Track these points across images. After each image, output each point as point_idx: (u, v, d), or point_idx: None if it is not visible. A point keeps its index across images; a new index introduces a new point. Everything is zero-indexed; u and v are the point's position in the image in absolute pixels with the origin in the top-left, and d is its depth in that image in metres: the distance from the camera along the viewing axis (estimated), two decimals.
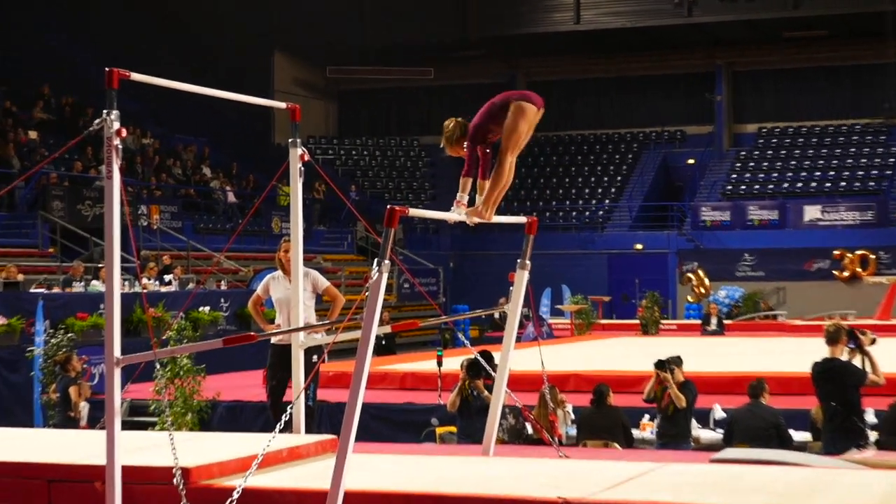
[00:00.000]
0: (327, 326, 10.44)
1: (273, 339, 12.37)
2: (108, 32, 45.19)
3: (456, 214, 9.11)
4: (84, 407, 17.03)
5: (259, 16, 49.10)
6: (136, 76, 8.24)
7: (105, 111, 7.96)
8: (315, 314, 12.80)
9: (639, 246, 44.52)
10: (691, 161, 48.75)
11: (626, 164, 49.34)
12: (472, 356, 13.68)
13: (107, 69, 8.04)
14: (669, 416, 14.62)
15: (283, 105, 10.42)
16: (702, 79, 49.46)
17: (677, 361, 15.06)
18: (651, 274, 42.60)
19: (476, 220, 9.06)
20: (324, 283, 12.81)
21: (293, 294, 10.81)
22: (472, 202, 9.18)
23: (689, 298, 40.11)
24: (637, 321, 33.59)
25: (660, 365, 14.78)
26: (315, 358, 11.72)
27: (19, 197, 30.79)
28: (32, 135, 34.47)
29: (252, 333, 10.52)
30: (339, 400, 16.19)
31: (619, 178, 48.83)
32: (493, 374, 10.54)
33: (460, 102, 52.27)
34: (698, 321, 34.56)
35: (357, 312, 8.16)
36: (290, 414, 8.81)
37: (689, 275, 40.80)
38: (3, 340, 21.12)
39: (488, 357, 13.76)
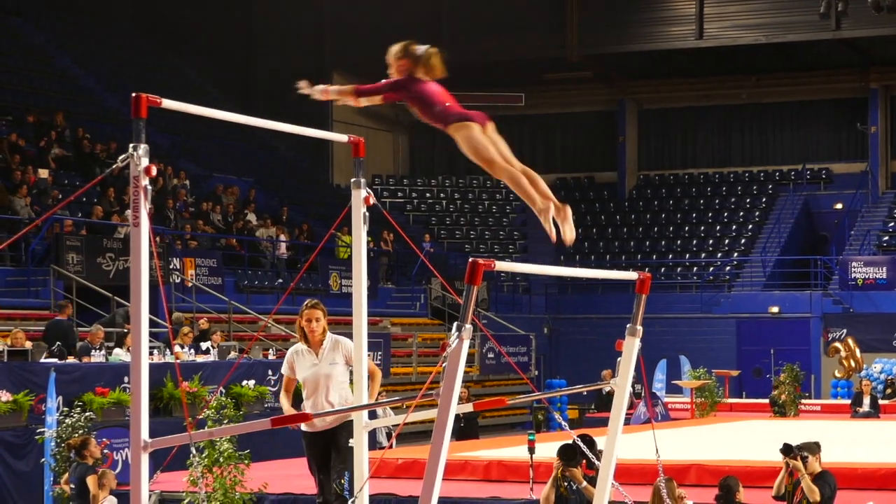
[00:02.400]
0: (396, 404, 10.44)
1: (303, 426, 11.94)
2: (132, 56, 45.84)
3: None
4: (107, 502, 17.10)
5: (313, 33, 49.46)
6: (167, 103, 8.33)
7: (132, 145, 8.03)
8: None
9: (774, 309, 44.23)
10: (839, 206, 48.41)
11: (760, 210, 49.10)
12: (570, 441, 13.64)
13: (133, 95, 8.12)
14: None
15: (343, 138, 10.48)
16: (853, 105, 49.18)
17: (812, 448, 14.96)
18: (789, 343, 42.27)
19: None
20: None
21: (332, 369, 10.90)
22: None
23: (837, 374, 39.76)
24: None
25: (787, 450, 14.70)
26: (352, 442, 11.61)
27: (28, 248, 31.08)
28: (43, 173, 34.82)
29: (307, 413, 10.54)
30: (410, 493, 16.20)
31: (750, 226, 48.59)
32: (596, 462, 10.52)
33: (557, 135, 52.57)
34: (847, 401, 34.28)
35: (432, 387, 8.18)
36: None
37: (837, 344, 40.43)
38: (8, 421, 21.29)
39: (590, 442, 13.72)
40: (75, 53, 45.01)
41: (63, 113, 39.16)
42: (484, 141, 9.63)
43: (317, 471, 12.00)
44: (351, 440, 11.43)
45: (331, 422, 11.61)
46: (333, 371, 11.85)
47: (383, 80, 9.62)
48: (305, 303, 12.15)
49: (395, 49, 9.82)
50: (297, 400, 12.56)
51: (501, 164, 9.47)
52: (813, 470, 14.63)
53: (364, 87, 9.65)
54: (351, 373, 11.93)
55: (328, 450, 11.73)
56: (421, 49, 9.82)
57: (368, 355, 12.01)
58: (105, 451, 18.32)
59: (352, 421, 11.36)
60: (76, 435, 18.27)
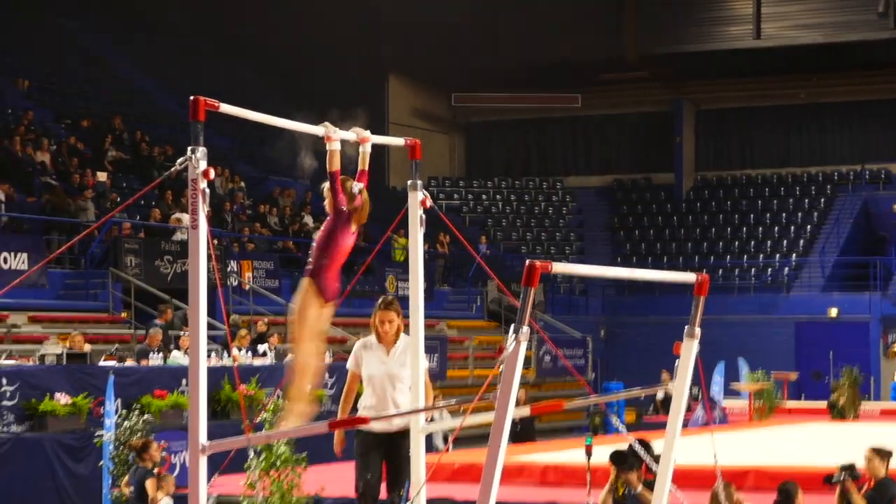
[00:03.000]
0: (453, 407, 10.44)
1: (366, 427, 11.48)
2: (189, 60, 46.04)
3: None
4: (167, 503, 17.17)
5: (369, 34, 49.55)
6: (225, 107, 8.37)
7: (190, 148, 8.08)
8: None
9: (833, 311, 44.05)
10: None
11: (819, 211, 48.90)
12: (622, 446, 13.62)
13: (192, 98, 8.16)
14: None
15: (400, 141, 10.49)
16: None
17: (883, 454, 14.91)
18: (848, 346, 42.10)
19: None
20: (424, 361, 11.53)
21: (401, 371, 10.87)
22: None
23: None
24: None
25: (846, 469, 14.70)
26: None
27: (86, 251, 31.23)
28: (102, 176, 35.02)
29: (364, 416, 10.55)
30: (466, 498, 16.19)
31: (809, 227, 48.40)
32: (653, 467, 10.48)
33: (613, 136, 52.48)
34: None
35: (489, 391, 8.18)
36: None
37: None
38: (67, 423, 21.39)
39: (646, 446, 13.69)
40: (133, 57, 45.28)
41: (121, 116, 39.40)
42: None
43: (367, 472, 11.61)
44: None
45: (397, 426, 11.28)
46: (402, 373, 11.51)
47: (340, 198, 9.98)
48: (379, 302, 11.94)
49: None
50: (371, 496, 12.05)
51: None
52: (878, 475, 14.57)
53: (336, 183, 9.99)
54: None
55: (385, 453, 11.47)
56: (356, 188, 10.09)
57: (460, 355, 11.91)
58: (163, 453, 18.37)
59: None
60: (136, 437, 18.34)
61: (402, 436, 11.20)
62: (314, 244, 9.97)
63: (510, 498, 17.18)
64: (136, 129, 39.39)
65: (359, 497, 11.96)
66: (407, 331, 11.53)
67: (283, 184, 42.32)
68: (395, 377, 11.53)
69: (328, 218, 10.01)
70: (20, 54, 40.73)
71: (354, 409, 11.86)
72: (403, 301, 10.86)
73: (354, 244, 10.11)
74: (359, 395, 11.79)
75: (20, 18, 42.52)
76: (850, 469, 14.82)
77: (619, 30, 48.49)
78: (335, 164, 9.82)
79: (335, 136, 9.63)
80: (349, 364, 11.87)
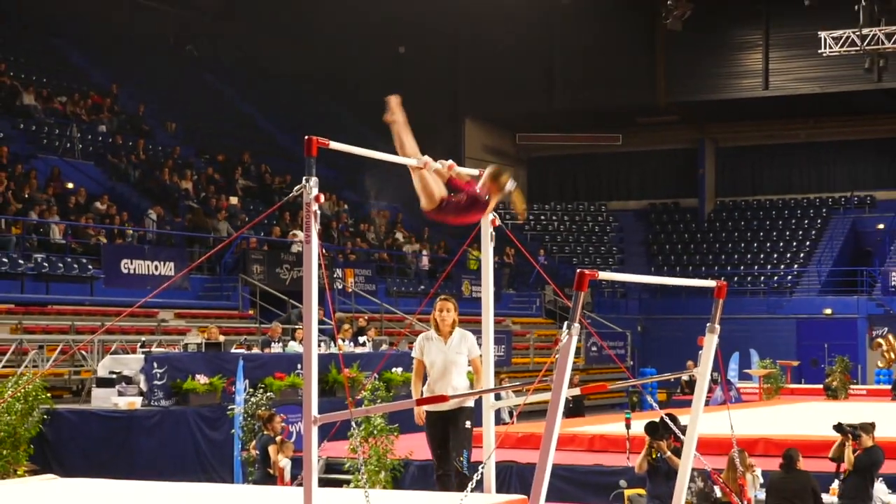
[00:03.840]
0: (517, 388, 10.42)
1: (426, 406, 11.24)
2: (304, 104, 46.26)
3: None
4: (284, 463, 17.21)
5: (449, 83, 49.63)
6: (334, 145, 8.41)
7: (304, 178, 8.13)
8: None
9: (828, 311, 43.70)
10: (881, 226, 47.78)
11: (815, 230, 48.52)
12: (654, 419, 13.56)
13: (306, 137, 8.21)
14: (844, 479, 14.53)
15: (474, 171, 10.50)
16: (892, 144, 48.46)
17: (867, 428, 14.80)
18: (840, 339, 41.80)
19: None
20: (476, 351, 11.42)
21: (458, 357, 10.91)
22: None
23: (879, 364, 39.23)
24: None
25: (838, 428, 14.66)
26: (468, 424, 11.27)
27: (221, 261, 31.44)
28: (233, 200, 35.24)
29: (445, 395, 10.53)
30: (528, 461, 16.16)
31: (807, 243, 48.04)
32: (680, 436, 10.44)
33: (648, 168, 52.27)
34: (888, 386, 33.85)
35: (547, 375, 8.16)
36: (482, 473, 8.83)
37: (880, 340, 39.91)
38: (205, 399, 21.55)
39: (673, 419, 13.61)
40: (258, 103, 45.52)
41: (248, 152, 39.63)
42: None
43: (436, 447, 11.36)
44: (468, 422, 11.23)
45: (453, 405, 11.07)
46: (458, 359, 11.33)
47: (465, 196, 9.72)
48: (439, 297, 11.76)
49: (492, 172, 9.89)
50: (444, 466, 11.67)
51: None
52: (865, 444, 14.48)
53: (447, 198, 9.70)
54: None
55: (447, 429, 11.20)
56: (510, 185, 9.88)
57: (522, 346, 11.82)
58: (283, 424, 18.43)
59: (470, 406, 11.22)
60: (263, 409, 18.42)
61: (457, 412, 11.17)
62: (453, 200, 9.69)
63: (563, 462, 17.14)
64: (260, 162, 39.58)
65: (434, 460, 11.76)
66: (465, 326, 11.58)
67: (380, 207, 42.42)
68: (453, 363, 11.32)
69: (465, 196, 9.77)
70: (169, 103, 41.07)
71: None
72: (476, 302, 10.82)
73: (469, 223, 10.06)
74: (425, 379, 11.57)
75: (171, 75, 42.91)
76: (864, 427, 14.78)
77: (652, 82, 48.28)
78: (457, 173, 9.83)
79: (432, 164, 9.59)
80: (414, 352, 11.67)
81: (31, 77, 36.57)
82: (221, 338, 23.79)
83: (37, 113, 34.27)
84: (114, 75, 40.00)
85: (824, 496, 14.73)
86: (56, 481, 11.90)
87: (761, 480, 15.15)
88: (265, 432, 17.58)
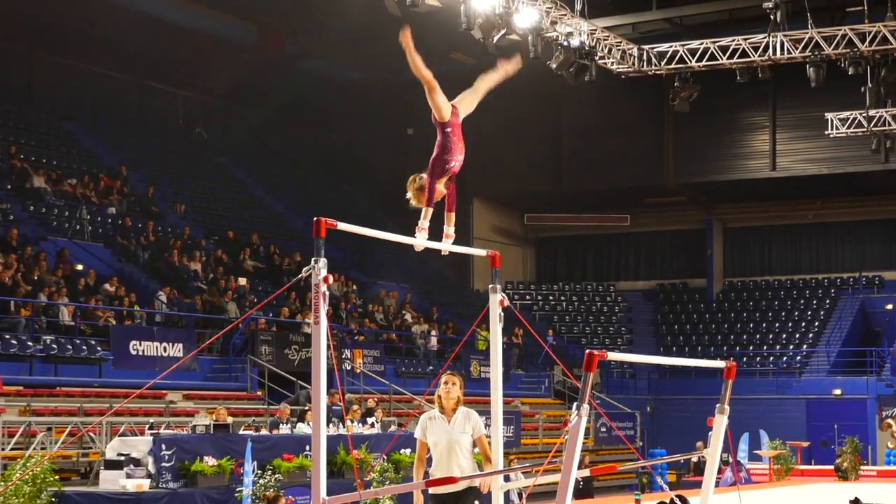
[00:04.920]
0: (527, 469, 10.37)
1: (431, 489, 10.78)
2: (312, 187, 46.45)
3: (419, 239, 9.70)
4: None
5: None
6: (342, 226, 8.43)
7: (313, 259, 8.13)
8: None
9: (837, 391, 43.53)
10: (889, 307, 47.70)
11: (824, 310, 48.44)
12: (668, 500, 13.46)
13: (315, 219, 8.23)
14: None
15: (482, 252, 10.51)
16: None
17: None
18: (850, 419, 41.62)
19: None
20: (481, 429, 11.16)
21: (462, 437, 10.79)
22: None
23: (889, 445, 39.00)
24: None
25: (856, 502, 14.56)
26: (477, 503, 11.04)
27: (229, 342, 31.39)
28: (242, 281, 35.27)
29: (454, 476, 10.46)
30: None
31: (816, 323, 47.94)
32: None
33: (656, 248, 52.30)
34: None
35: (556, 456, 8.12)
36: None
37: (889, 421, 39.68)
38: (214, 481, 21.43)
39: (684, 501, 13.54)
40: (268, 185, 45.69)
41: (257, 233, 39.71)
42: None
43: None
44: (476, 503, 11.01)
45: (461, 486, 10.78)
46: (463, 439, 11.00)
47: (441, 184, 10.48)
48: (446, 374, 11.28)
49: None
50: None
51: None
52: None
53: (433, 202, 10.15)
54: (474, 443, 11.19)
55: None
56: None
57: (530, 427, 11.66)
58: None
59: (476, 487, 10.90)
60: (269, 492, 18.34)
61: (468, 492, 10.92)
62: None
63: None
64: (269, 243, 39.63)
65: None
66: (474, 406, 11.40)
67: (388, 287, 42.42)
68: (457, 443, 10.98)
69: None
70: (179, 184, 41.24)
71: (426, 474, 11.34)
72: (485, 383, 10.78)
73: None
74: (429, 461, 11.30)
75: (180, 156, 43.10)
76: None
77: (660, 163, 48.40)
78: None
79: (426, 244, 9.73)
80: (417, 434, 11.25)
81: (41, 159, 36.77)
82: (230, 419, 23.71)
83: (47, 195, 34.42)
84: (123, 157, 40.22)
85: None
86: None
87: None
88: None
